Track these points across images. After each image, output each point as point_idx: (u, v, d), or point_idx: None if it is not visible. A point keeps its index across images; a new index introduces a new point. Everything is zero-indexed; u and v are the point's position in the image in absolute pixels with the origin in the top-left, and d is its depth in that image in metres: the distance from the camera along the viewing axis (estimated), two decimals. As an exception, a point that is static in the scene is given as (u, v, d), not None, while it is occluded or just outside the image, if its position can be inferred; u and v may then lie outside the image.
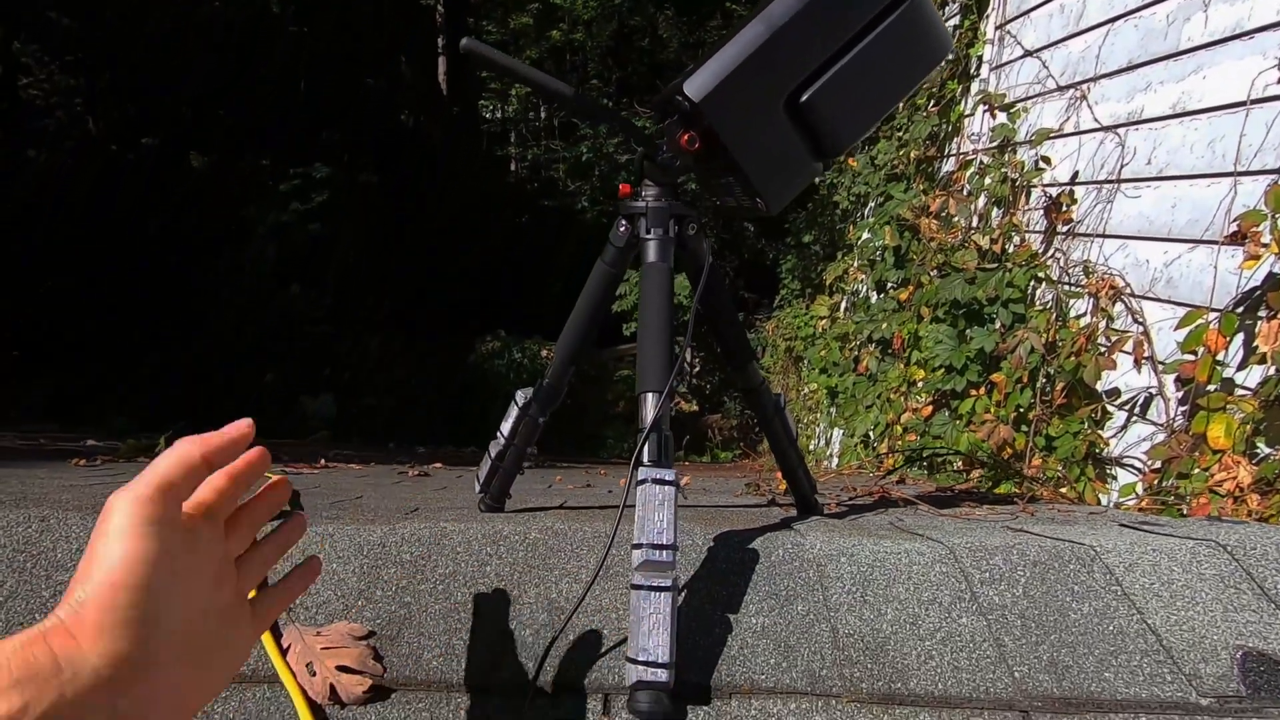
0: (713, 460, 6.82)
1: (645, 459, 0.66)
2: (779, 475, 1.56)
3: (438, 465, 2.14)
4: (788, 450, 0.95)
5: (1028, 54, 3.17)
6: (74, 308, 7.64)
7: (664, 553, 0.60)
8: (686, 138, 0.62)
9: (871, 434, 4.18)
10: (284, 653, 0.66)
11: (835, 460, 5.15)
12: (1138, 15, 2.50)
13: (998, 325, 3.06)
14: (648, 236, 0.74)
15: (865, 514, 1.02)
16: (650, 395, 0.67)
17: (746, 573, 0.71)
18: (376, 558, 0.75)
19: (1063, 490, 2.69)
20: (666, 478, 0.63)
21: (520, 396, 0.92)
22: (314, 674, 0.64)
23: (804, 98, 0.60)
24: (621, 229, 0.78)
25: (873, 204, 4.76)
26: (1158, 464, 2.18)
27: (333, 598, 0.72)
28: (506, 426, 0.93)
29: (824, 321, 5.33)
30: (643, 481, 0.64)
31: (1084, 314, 2.71)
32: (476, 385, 8.41)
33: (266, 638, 0.67)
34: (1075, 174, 2.83)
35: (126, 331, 7.47)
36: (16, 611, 0.72)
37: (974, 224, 3.40)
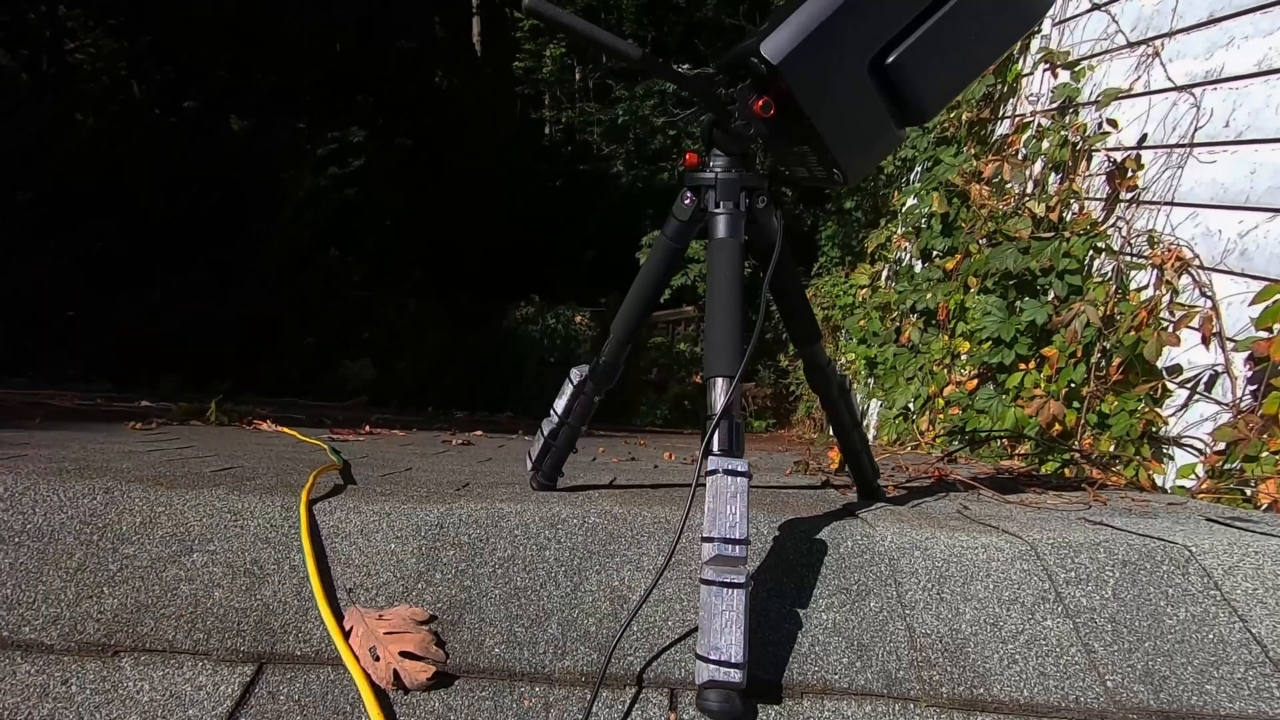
0: (748, 430, 6.80)
1: (715, 448, 0.63)
2: (831, 453, 1.52)
3: (478, 433, 2.15)
4: (851, 433, 0.91)
5: (1095, 8, 2.97)
6: (118, 269, 7.83)
7: (736, 548, 0.58)
8: (761, 103, 0.58)
9: (911, 406, 4.10)
10: (346, 635, 0.66)
11: (873, 433, 5.08)
12: (1223, -37, 2.32)
13: (1051, 297, 2.94)
14: (717, 210, 0.70)
15: (927, 499, 0.98)
16: (720, 380, 0.64)
17: (815, 565, 0.68)
18: (434, 539, 0.74)
19: (1114, 470, 2.60)
20: (739, 468, 0.60)
21: (576, 374, 0.90)
22: (377, 659, 0.63)
23: (891, 58, 0.55)
24: (686, 201, 0.73)
25: (920, 169, 4.59)
26: (1221, 446, 2.08)
27: (392, 579, 0.72)
28: (561, 404, 0.90)
29: (864, 290, 5.21)
30: (713, 472, 0.61)
31: (1146, 286, 2.58)
32: (510, 351, 8.46)
33: (329, 619, 0.67)
34: (1143, 137, 2.67)
35: (174, 294, 7.65)
36: (85, 584, 0.72)
37: (1029, 190, 3.25)
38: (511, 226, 10.61)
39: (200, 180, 9.87)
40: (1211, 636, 0.61)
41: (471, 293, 9.45)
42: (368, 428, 2.01)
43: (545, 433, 0.92)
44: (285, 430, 1.73)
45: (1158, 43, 2.58)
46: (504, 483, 1.01)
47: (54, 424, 1.64)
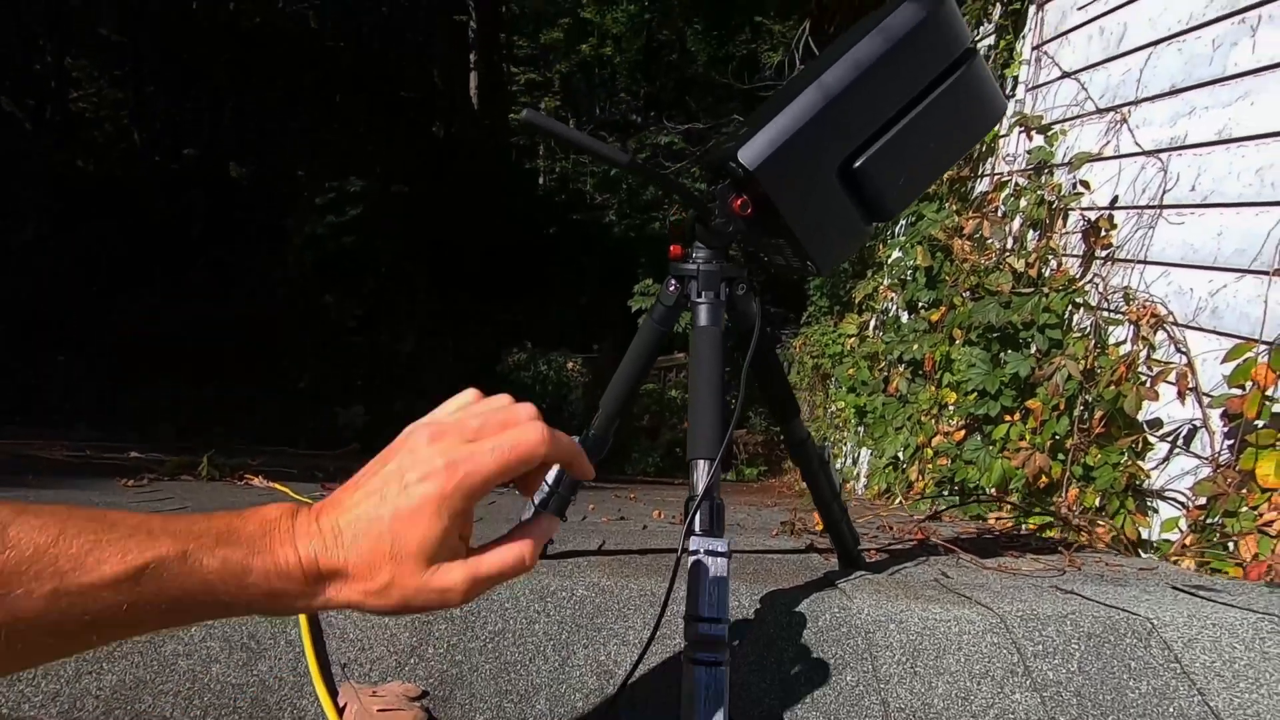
0: (739, 478, 6.78)
1: (697, 528, 0.66)
2: (816, 515, 1.55)
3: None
4: (831, 504, 0.94)
5: (1066, 75, 3.12)
6: (118, 316, 7.87)
7: (718, 627, 0.61)
8: (739, 202, 0.63)
9: (901, 456, 4.13)
10: (340, 711, 0.68)
11: (863, 482, 5.10)
12: (1181, 40, 2.46)
13: (1033, 350, 3.01)
14: (699, 300, 0.74)
15: (907, 565, 1.01)
16: (702, 462, 0.68)
17: (795, 638, 0.71)
18: (427, 613, 0.76)
19: (1100, 523, 2.63)
20: (719, 549, 0.64)
21: None
22: (370, 735, 0.65)
23: (857, 164, 0.61)
24: (671, 288, 0.78)
25: (904, 223, 4.72)
26: (1202, 500, 2.12)
27: (386, 653, 0.74)
28: (550, 474, 0.94)
29: (852, 340, 5.29)
30: (695, 552, 0.64)
31: (1124, 342, 2.66)
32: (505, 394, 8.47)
33: (324, 696, 0.69)
34: (1115, 198, 2.78)
35: (167, 339, 7.67)
36: (84, 660, 0.74)
37: (1009, 246, 3.36)
38: (505, 272, 10.74)
39: (200, 223, 10.00)
40: (1172, 710, 0.64)
41: (466, 336, 9.52)
42: (360, 483, 2.02)
43: (535, 502, 0.95)
44: (277, 486, 1.75)
45: (1125, 110, 2.71)
46: (495, 548, 1.03)
47: (46, 482, 1.66)
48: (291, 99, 11.83)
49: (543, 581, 0.80)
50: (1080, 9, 3.03)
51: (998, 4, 3.67)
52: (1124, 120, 2.71)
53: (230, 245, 9.08)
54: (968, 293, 3.57)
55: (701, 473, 0.68)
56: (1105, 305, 2.73)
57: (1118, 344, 2.68)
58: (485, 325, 9.59)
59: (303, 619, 0.74)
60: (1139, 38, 2.66)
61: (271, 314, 8.24)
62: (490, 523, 1.39)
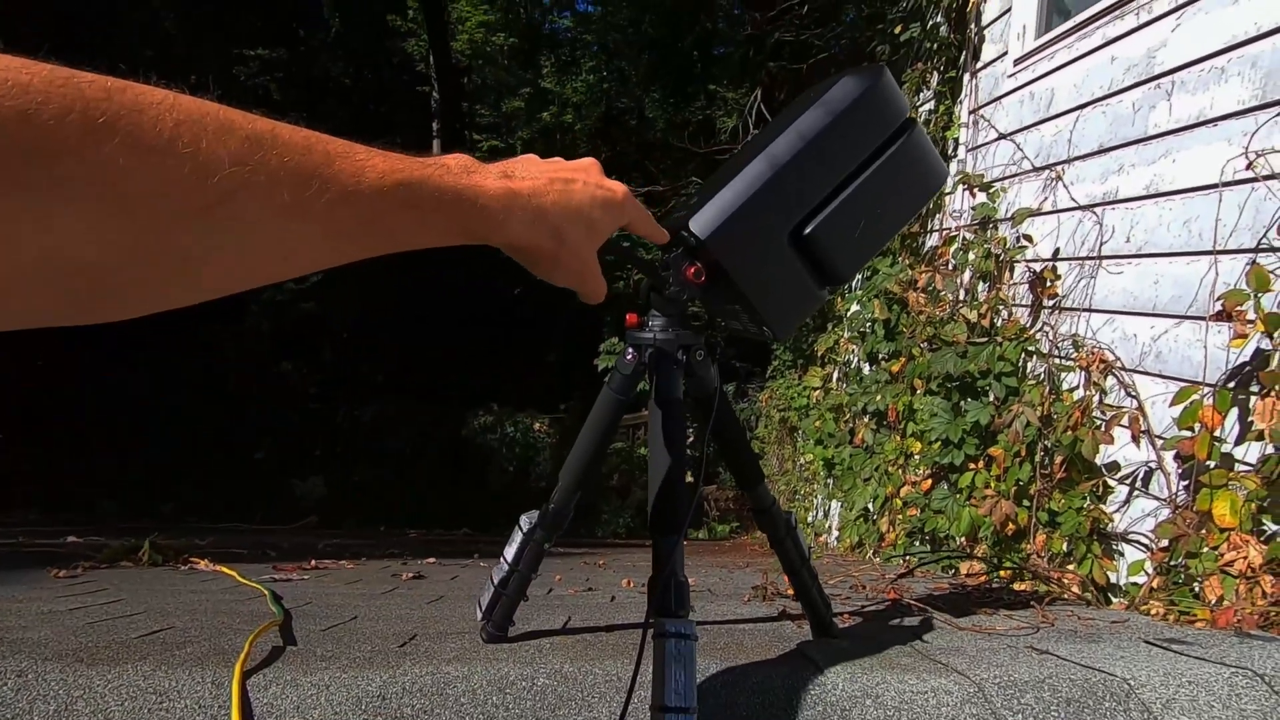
0: (710, 535, 6.69)
1: (662, 610, 0.63)
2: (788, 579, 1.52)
3: (431, 561, 2.08)
4: (800, 570, 0.92)
5: (1002, 137, 3.30)
6: (64, 385, 7.56)
7: (684, 716, 0.57)
8: (693, 270, 0.63)
9: (871, 507, 4.13)
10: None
11: (835, 535, 5.07)
12: (1104, 103, 2.62)
13: (991, 398, 3.07)
14: (656, 369, 0.73)
15: (882, 631, 0.99)
16: (664, 540, 0.65)
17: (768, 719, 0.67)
18: (376, 711, 0.71)
19: (1069, 568, 2.64)
20: (685, 631, 0.61)
21: (525, 521, 0.90)
22: None
23: (807, 230, 0.61)
24: (629, 357, 0.78)
25: (860, 278, 4.86)
26: (1165, 542, 2.15)
27: (331, 759, 0.68)
28: (510, 552, 0.90)
29: (817, 392, 5.34)
30: (660, 635, 0.61)
31: (1077, 387, 2.73)
32: (470, 459, 8.31)
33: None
34: (1057, 250, 2.90)
35: (117, 410, 7.37)
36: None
37: (961, 298, 3.46)
38: (471, 334, 10.69)
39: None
40: (1157, 778, 0.62)
41: (430, 400, 9.36)
42: (313, 561, 1.92)
43: (495, 581, 0.90)
44: (224, 570, 1.65)
45: (1059, 168, 2.86)
46: (453, 632, 0.98)
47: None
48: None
49: (502, 670, 0.75)
50: (1010, 76, 3.22)
51: (935, 72, 3.89)
52: (1059, 178, 2.86)
53: (184, 314, 8.88)
54: (925, 343, 3.66)
55: (665, 551, 0.65)
56: (1057, 352, 2.82)
57: (1071, 389, 2.75)
58: (449, 389, 9.46)
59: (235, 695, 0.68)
60: (1066, 102, 2.83)
61: (227, 384, 8.01)
62: (451, 601, 1.33)
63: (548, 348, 11.25)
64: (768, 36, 8.41)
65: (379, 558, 2.22)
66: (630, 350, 0.78)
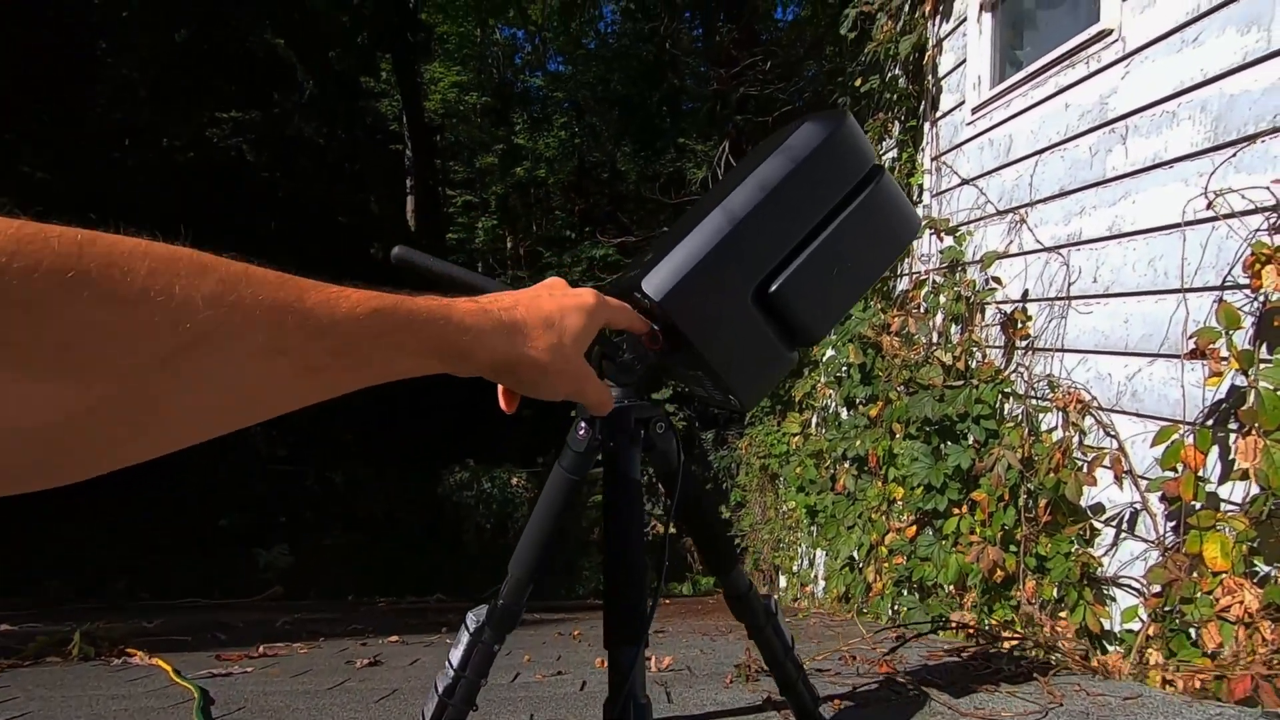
0: (694, 591, 6.50)
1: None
2: (771, 672, 1.43)
3: (394, 639, 1.94)
4: (784, 663, 0.84)
5: (965, 182, 3.35)
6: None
7: None
8: (648, 336, 0.56)
9: (856, 556, 4.04)
10: None
11: (821, 585, 4.95)
12: (1062, 148, 2.67)
13: (971, 441, 3.04)
14: (611, 446, 0.66)
15: (873, 714, 0.90)
16: (621, 651, 0.57)
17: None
18: None
19: (1062, 615, 2.57)
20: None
21: (471, 620, 0.80)
22: None
23: (773, 288, 0.55)
24: (581, 432, 0.70)
25: (834, 322, 4.86)
26: (1158, 587, 2.09)
27: None
28: (456, 656, 0.80)
29: (796, 438, 5.29)
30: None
31: (1055, 428, 2.70)
32: (445, 519, 8.06)
33: None
34: (1025, 292, 2.92)
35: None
36: None
37: (934, 340, 3.46)
38: (444, 390, 10.53)
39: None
40: None
41: (403, 459, 9.13)
42: (261, 648, 1.78)
43: (440, 689, 0.80)
44: (159, 663, 1.51)
45: (1022, 211, 2.90)
46: (402, 733, 0.87)
47: None
48: (224, 228, 11.78)
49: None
50: (969, 124, 3.30)
51: (896, 122, 3.98)
52: (1023, 220, 2.89)
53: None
54: (902, 387, 3.64)
55: (622, 663, 0.57)
56: (1033, 393, 2.80)
57: (1050, 430, 2.72)
58: (423, 447, 9.25)
59: None
60: (1025, 147, 2.89)
61: (191, 450, 7.72)
62: (404, 697, 1.21)
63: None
64: (733, 91, 8.66)
65: (339, 636, 2.07)
66: (583, 424, 0.70)
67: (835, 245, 0.56)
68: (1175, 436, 1.97)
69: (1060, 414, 2.67)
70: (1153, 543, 2.25)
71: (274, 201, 12.93)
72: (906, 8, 3.68)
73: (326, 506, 7.85)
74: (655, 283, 0.54)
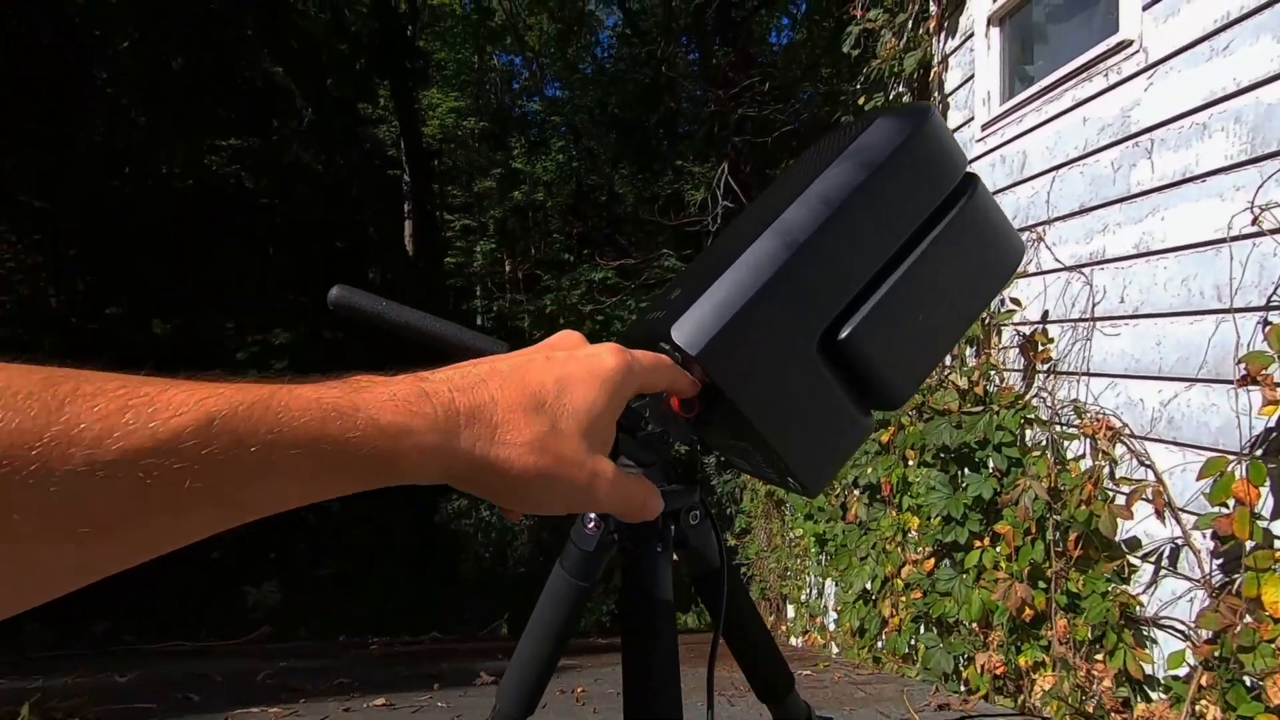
0: (699, 621, 6.29)
1: None
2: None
3: (380, 702, 1.78)
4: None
5: (977, 200, 3.24)
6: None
7: None
8: (679, 401, 0.42)
9: (870, 588, 3.86)
10: None
11: (833, 616, 4.76)
12: (1081, 164, 2.56)
13: (991, 469, 2.89)
14: (631, 549, 0.50)
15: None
16: None
17: None
18: None
19: (1098, 658, 2.40)
20: None
21: None
22: None
23: (843, 334, 0.41)
24: (590, 526, 0.54)
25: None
26: (1209, 633, 1.93)
27: None
28: None
29: (805, 465, 5.12)
30: None
31: (1083, 456, 2.56)
32: (440, 549, 7.85)
33: None
34: (1045, 313, 2.79)
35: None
36: None
37: (948, 363, 3.32)
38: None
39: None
40: None
41: (400, 489, 8.93)
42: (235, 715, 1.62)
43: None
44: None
45: (1039, 229, 2.78)
46: None
47: None
48: (221, 254, 11.71)
49: None
50: (979, 141, 3.20)
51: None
52: (1040, 239, 2.78)
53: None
54: (914, 412, 3.49)
55: None
56: (1058, 420, 2.66)
57: (1077, 459, 2.58)
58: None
59: None
60: (1040, 164, 2.78)
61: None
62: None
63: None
64: (730, 113, 8.63)
65: (321, 695, 1.91)
66: (591, 517, 0.54)
67: (923, 277, 0.42)
68: (1225, 469, 1.83)
69: (1088, 441, 2.53)
70: (1198, 582, 2.10)
71: (272, 227, 12.89)
72: (910, 24, 3.60)
73: (320, 535, 7.65)
74: (688, 330, 0.40)
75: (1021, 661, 2.67)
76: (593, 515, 0.53)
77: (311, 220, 13.11)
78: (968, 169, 0.45)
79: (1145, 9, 2.25)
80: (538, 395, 0.34)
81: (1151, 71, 2.24)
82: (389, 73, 12.24)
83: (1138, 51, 2.28)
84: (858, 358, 0.42)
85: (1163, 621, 2.22)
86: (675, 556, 0.48)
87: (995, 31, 3.13)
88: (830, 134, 0.50)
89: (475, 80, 14.95)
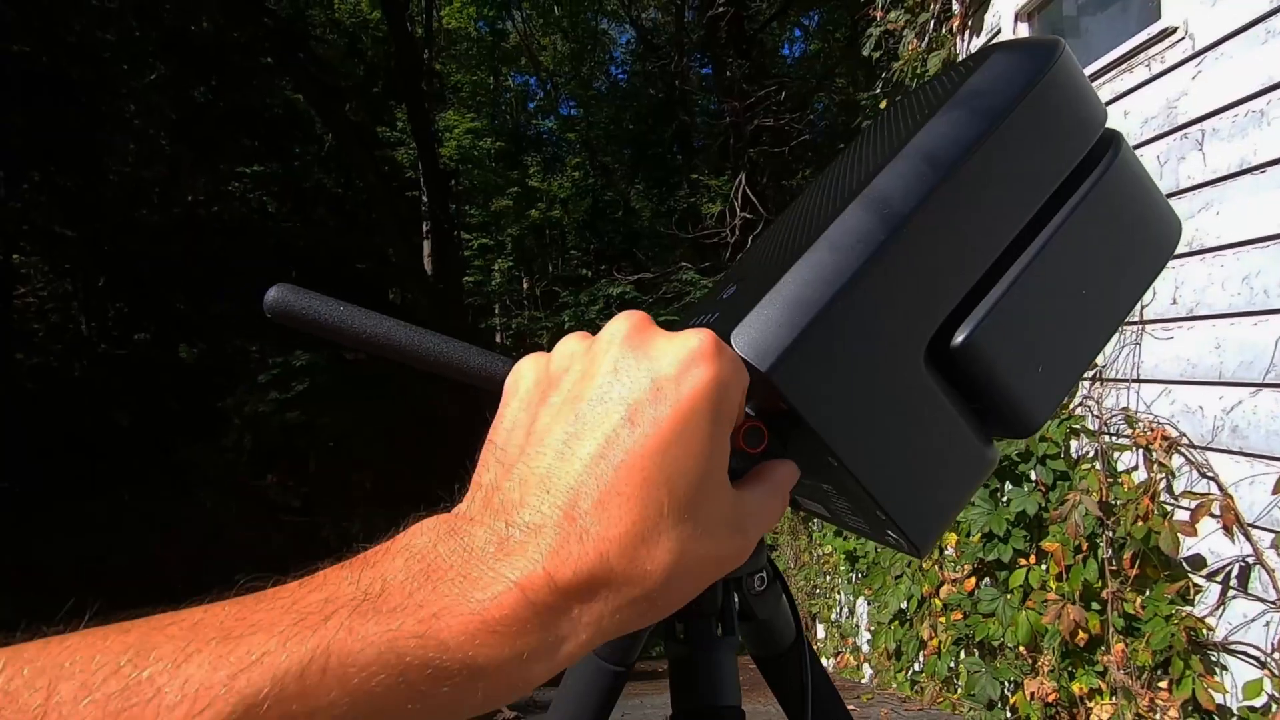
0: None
1: None
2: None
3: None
4: None
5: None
6: (38, 512, 7.12)
7: None
8: (745, 430, 0.29)
9: (905, 607, 3.70)
10: None
11: (866, 637, 4.59)
12: (1124, 159, 2.43)
13: (1035, 482, 2.74)
14: (681, 634, 0.37)
15: None
16: None
17: None
18: None
19: (1162, 685, 2.24)
20: None
21: None
22: None
23: (958, 340, 0.29)
24: None
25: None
26: (1291, 660, 1.77)
27: None
28: None
29: (833, 480, 4.98)
30: None
31: (1135, 468, 2.41)
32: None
33: None
34: (1090, 317, 2.65)
35: (93, 538, 6.91)
36: None
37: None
38: (462, 432, 10.34)
39: (139, 410, 9.49)
40: None
41: (420, 506, 8.90)
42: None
43: None
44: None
45: (1079, 230, 2.64)
46: None
47: None
48: (245, 279, 11.87)
49: None
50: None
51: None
52: (1081, 239, 2.64)
53: (156, 437, 8.56)
54: (950, 424, 3.35)
55: None
56: (1106, 430, 2.51)
57: (1129, 471, 2.43)
58: (444, 493, 9.01)
59: None
60: (1078, 161, 2.65)
61: (204, 505, 7.60)
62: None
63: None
64: (746, 124, 8.57)
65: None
66: None
67: (1058, 263, 0.32)
68: (1304, 481, 1.68)
69: (1141, 453, 2.38)
70: (1273, 604, 1.94)
71: (294, 251, 13.05)
72: (933, 24, 3.50)
73: (342, 559, 7.61)
74: (754, 337, 0.28)
75: (1075, 688, 2.50)
76: None
77: (332, 244, 13.26)
78: (1106, 121, 0.34)
79: (1190, -7, 2.13)
80: (652, 495, 0.24)
81: (1200, 59, 2.11)
82: (406, 96, 12.39)
83: (1184, 38, 2.16)
84: (978, 370, 0.31)
85: (1234, 646, 2.06)
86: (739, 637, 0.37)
87: (1023, 27, 3.02)
88: (934, 77, 0.39)
89: (491, 101, 15.09)
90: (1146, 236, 0.35)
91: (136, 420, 8.59)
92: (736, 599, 0.37)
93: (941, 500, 0.32)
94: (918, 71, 3.56)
